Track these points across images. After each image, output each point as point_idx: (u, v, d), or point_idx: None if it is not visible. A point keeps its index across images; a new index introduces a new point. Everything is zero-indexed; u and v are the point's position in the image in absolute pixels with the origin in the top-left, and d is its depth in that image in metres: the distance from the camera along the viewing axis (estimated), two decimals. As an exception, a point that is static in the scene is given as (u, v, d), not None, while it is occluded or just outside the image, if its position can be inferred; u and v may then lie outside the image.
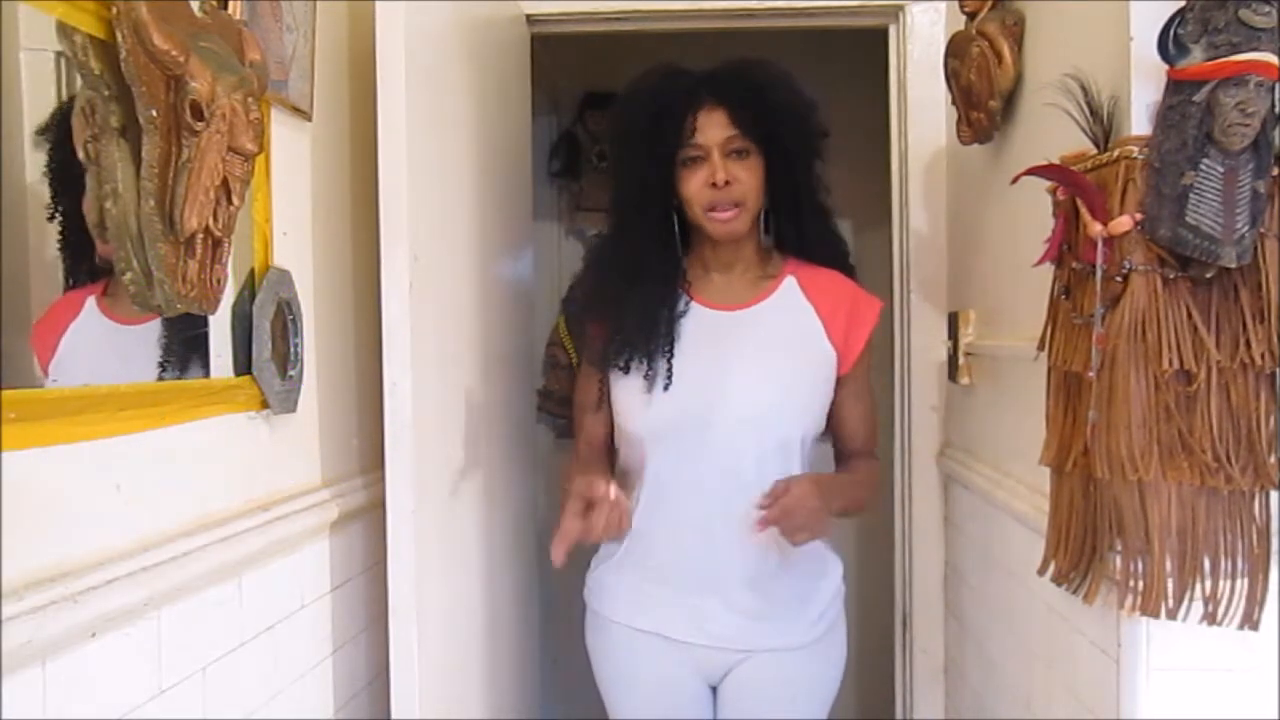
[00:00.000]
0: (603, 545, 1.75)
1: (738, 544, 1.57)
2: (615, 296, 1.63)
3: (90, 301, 1.05)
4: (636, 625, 1.65)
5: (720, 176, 1.55)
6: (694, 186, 1.57)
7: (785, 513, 1.44)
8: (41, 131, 0.98)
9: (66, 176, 1.00)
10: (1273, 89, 1.07)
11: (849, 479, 1.67)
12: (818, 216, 1.69)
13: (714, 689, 1.68)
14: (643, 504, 1.62)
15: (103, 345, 1.08)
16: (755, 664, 1.62)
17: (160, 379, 1.16)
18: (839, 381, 1.64)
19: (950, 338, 2.00)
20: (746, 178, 1.57)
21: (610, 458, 1.73)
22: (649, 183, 1.60)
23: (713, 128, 1.56)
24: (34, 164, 0.98)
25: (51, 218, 0.99)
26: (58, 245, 1.00)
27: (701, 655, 1.63)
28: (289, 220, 1.43)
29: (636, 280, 1.62)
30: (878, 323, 1.67)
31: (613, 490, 1.46)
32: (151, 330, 1.14)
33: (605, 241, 1.78)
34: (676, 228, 1.65)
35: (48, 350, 0.99)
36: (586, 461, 1.68)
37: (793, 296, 1.65)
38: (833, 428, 1.68)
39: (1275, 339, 1.11)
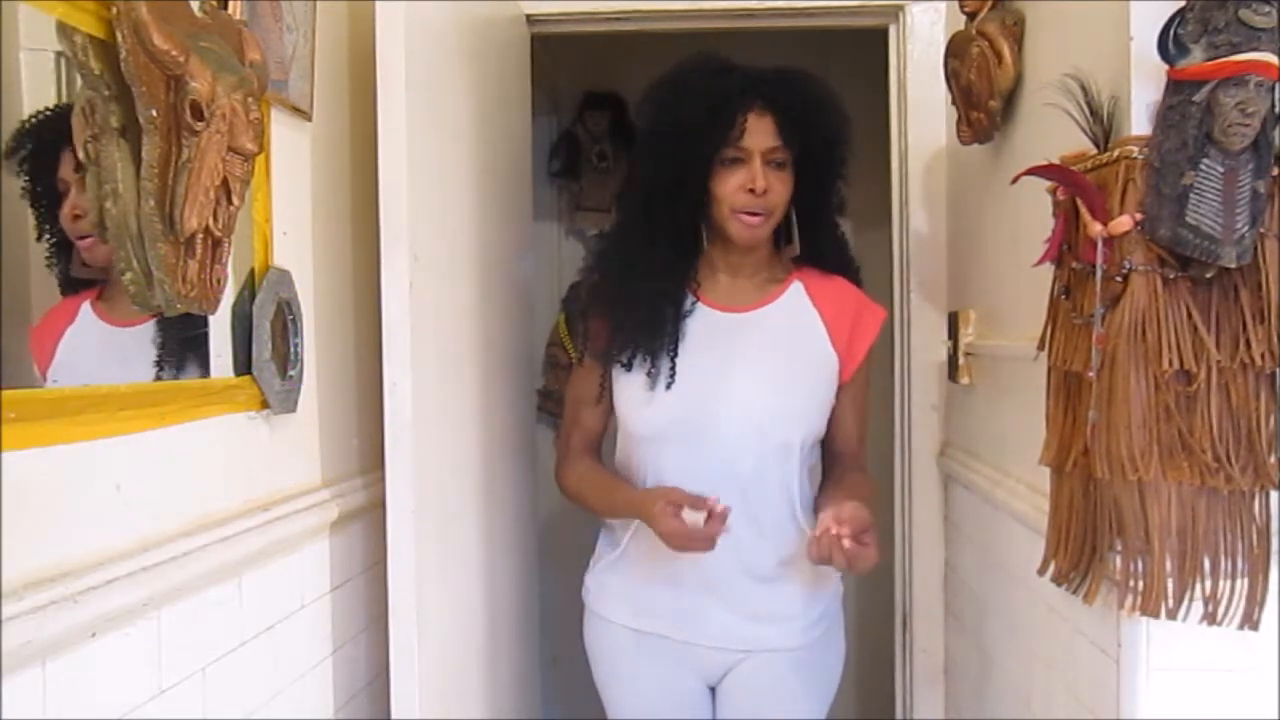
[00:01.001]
0: (601, 546, 1.75)
1: (736, 545, 1.57)
2: (621, 293, 1.63)
3: (85, 306, 1.04)
4: (635, 626, 1.65)
5: (760, 184, 1.55)
6: (729, 187, 1.57)
7: (854, 548, 1.40)
8: (12, 153, 0.96)
9: (49, 187, 0.99)
10: (1273, 89, 1.07)
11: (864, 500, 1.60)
12: (832, 230, 1.71)
13: (713, 689, 1.68)
14: (643, 503, 1.62)
15: (101, 348, 1.07)
16: (754, 664, 1.63)
17: (160, 379, 1.15)
18: (839, 388, 1.64)
19: (950, 338, 2.00)
20: (781, 189, 1.58)
21: (600, 456, 1.73)
22: (683, 174, 1.58)
23: (760, 134, 1.56)
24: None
25: (39, 238, 0.98)
26: (47, 254, 1.00)
27: (700, 655, 1.63)
28: (289, 220, 1.43)
29: (645, 277, 1.61)
30: (879, 333, 1.67)
31: (719, 503, 1.46)
32: (150, 331, 1.14)
33: (615, 234, 1.76)
34: (703, 225, 1.64)
35: (45, 355, 0.98)
36: (613, 479, 1.67)
37: (798, 301, 1.65)
38: (827, 432, 1.68)
39: (1275, 339, 1.11)
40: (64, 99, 1.01)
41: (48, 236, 0.99)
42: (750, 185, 1.55)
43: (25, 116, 0.97)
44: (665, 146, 1.60)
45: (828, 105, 1.61)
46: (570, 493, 1.71)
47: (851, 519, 1.41)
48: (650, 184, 1.63)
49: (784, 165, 1.58)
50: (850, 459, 1.69)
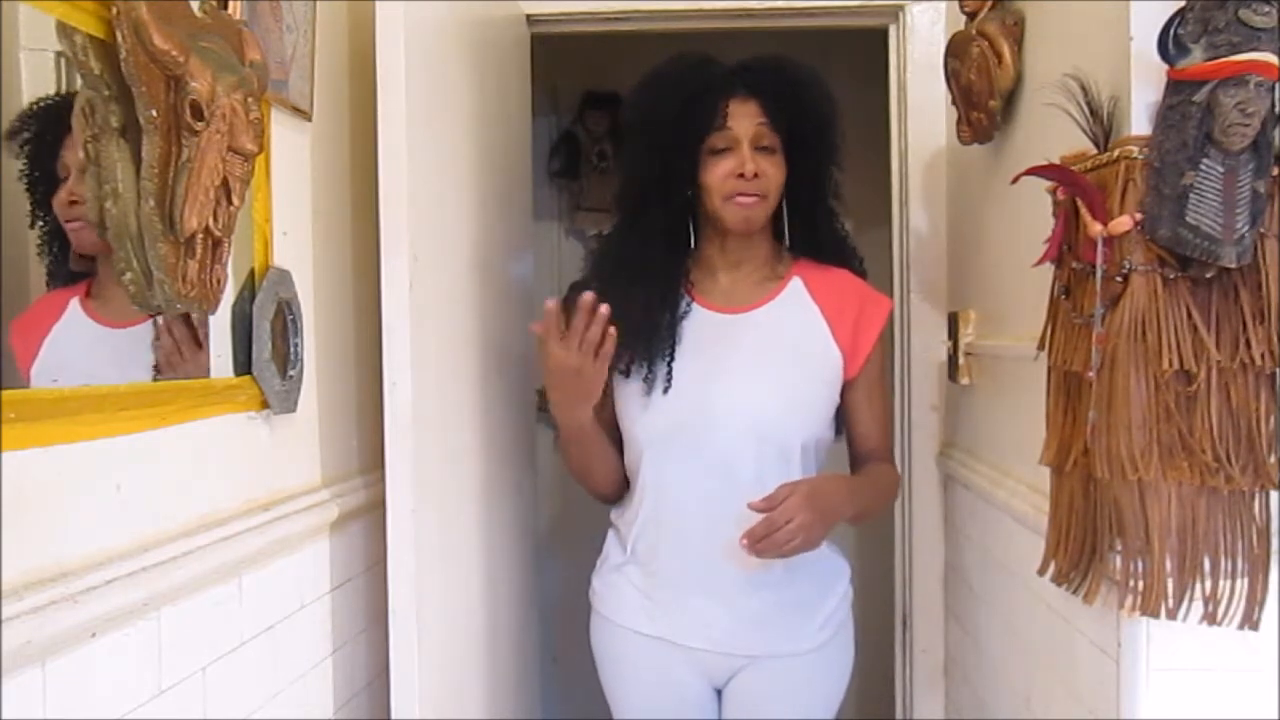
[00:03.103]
0: (607, 548, 1.74)
1: (740, 549, 1.56)
2: (617, 299, 1.63)
3: (74, 304, 1.03)
4: (641, 629, 1.64)
5: (750, 168, 1.54)
6: (719, 175, 1.56)
7: (770, 527, 1.42)
8: (13, 134, 0.96)
9: (45, 178, 0.99)
10: (1273, 89, 1.07)
11: (862, 483, 1.64)
12: (830, 219, 1.69)
13: (719, 691, 1.68)
14: (646, 507, 1.61)
15: (90, 349, 1.07)
16: (760, 668, 1.62)
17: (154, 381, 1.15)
18: (848, 384, 1.63)
19: (950, 338, 2.00)
20: (773, 172, 1.57)
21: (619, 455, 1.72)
22: (670, 168, 1.58)
23: (745, 118, 1.55)
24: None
25: (32, 225, 0.98)
26: (37, 245, 0.99)
27: (705, 659, 1.62)
28: (289, 220, 1.43)
29: (639, 281, 1.61)
30: (885, 324, 1.66)
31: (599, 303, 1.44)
32: (142, 332, 1.13)
33: (611, 238, 1.76)
34: (691, 218, 1.63)
35: (29, 353, 0.97)
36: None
37: (798, 298, 1.64)
38: (846, 430, 1.68)
39: (1275, 339, 1.11)
40: (47, 96, 1.00)
41: (41, 224, 0.98)
42: (740, 170, 1.54)
43: (31, 101, 0.97)
44: (651, 141, 1.59)
45: (813, 88, 1.60)
46: (571, 472, 1.70)
47: (767, 502, 1.43)
48: (640, 182, 1.63)
49: (774, 150, 1.57)
50: (873, 454, 1.67)
